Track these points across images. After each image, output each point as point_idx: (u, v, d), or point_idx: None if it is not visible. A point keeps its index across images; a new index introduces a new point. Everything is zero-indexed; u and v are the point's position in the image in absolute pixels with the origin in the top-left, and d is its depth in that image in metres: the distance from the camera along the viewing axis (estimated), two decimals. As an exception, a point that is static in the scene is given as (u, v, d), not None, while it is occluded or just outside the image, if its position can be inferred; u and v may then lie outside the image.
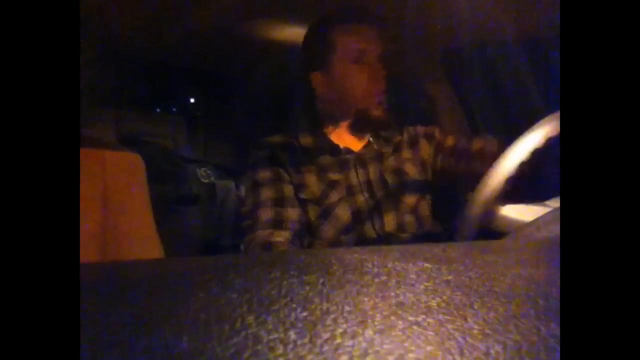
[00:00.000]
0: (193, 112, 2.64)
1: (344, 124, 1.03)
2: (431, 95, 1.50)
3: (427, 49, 1.42)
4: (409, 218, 1.00)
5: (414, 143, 1.08)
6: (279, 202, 0.95)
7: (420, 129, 1.10)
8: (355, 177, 0.99)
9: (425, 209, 1.03)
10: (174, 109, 2.68)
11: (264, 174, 0.98)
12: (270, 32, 1.66)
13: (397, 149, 1.05)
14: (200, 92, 2.58)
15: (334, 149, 1.01)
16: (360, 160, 1.01)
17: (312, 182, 0.98)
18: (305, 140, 1.03)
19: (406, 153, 1.06)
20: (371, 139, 1.05)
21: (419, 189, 1.03)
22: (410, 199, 1.01)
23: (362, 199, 0.98)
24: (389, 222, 0.98)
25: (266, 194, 0.96)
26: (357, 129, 1.03)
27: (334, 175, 0.99)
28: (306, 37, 1.05)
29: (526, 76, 1.24)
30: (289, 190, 0.97)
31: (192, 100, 2.67)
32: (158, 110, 2.62)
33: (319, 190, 0.97)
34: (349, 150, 1.02)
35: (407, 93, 1.55)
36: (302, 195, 0.97)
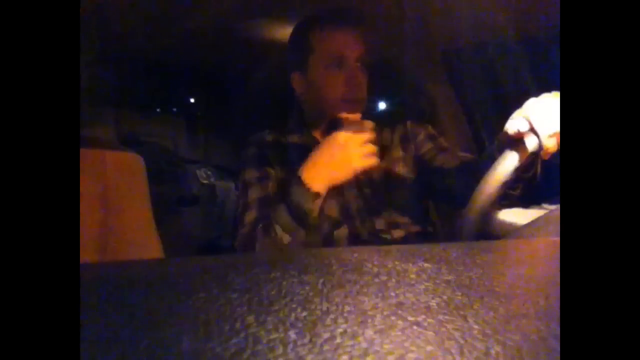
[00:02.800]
0: (193, 112, 2.64)
1: (324, 126, 1.01)
2: (431, 95, 1.50)
3: (427, 49, 1.42)
4: (400, 218, 0.99)
5: (405, 142, 1.06)
6: (265, 201, 0.95)
7: (413, 127, 1.07)
8: None
9: (417, 208, 1.03)
10: (174, 109, 2.67)
11: (252, 174, 0.98)
12: (270, 32, 1.66)
13: (386, 149, 1.03)
14: (200, 92, 2.58)
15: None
16: None
17: None
18: (293, 138, 1.03)
19: (396, 152, 1.04)
20: None
21: (410, 189, 1.02)
22: (400, 199, 1.00)
23: (351, 196, 0.98)
24: (379, 220, 0.98)
25: (253, 194, 0.96)
26: (309, 131, 1.01)
27: None
28: (290, 36, 1.04)
29: (526, 76, 1.24)
30: (275, 188, 0.97)
31: (192, 100, 2.67)
32: (158, 110, 2.61)
33: None
34: None
35: (407, 93, 1.55)
36: None
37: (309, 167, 0.86)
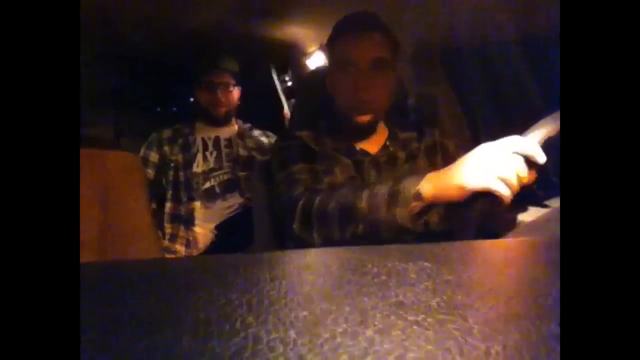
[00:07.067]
0: (193, 112, 2.63)
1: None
2: (431, 95, 1.50)
3: (427, 49, 1.42)
4: (414, 228, 0.99)
5: (431, 152, 1.06)
6: (313, 189, 0.94)
7: (440, 138, 1.08)
8: (370, 179, 0.99)
9: (434, 218, 1.02)
10: (174, 109, 2.67)
11: (299, 167, 0.99)
12: (270, 32, 1.66)
13: (412, 156, 1.04)
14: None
15: (350, 150, 1.02)
16: (374, 162, 1.01)
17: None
18: (327, 140, 1.04)
19: (421, 162, 1.04)
20: (388, 142, 1.05)
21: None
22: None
23: None
24: None
25: (300, 186, 0.96)
26: (341, 135, 1.03)
27: (352, 174, 1.00)
28: None
29: (526, 76, 1.24)
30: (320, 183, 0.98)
31: (192, 100, 2.67)
32: (158, 110, 2.61)
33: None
34: (364, 152, 1.02)
35: (407, 93, 1.55)
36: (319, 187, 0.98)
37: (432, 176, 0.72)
